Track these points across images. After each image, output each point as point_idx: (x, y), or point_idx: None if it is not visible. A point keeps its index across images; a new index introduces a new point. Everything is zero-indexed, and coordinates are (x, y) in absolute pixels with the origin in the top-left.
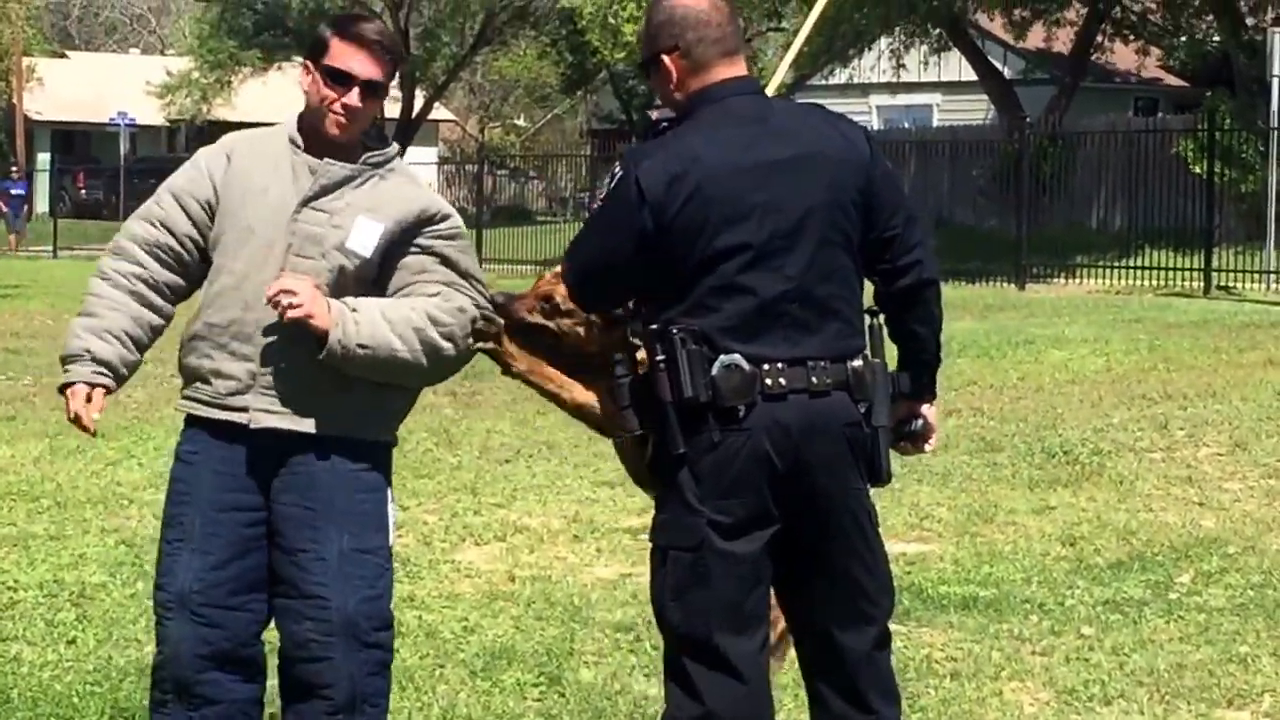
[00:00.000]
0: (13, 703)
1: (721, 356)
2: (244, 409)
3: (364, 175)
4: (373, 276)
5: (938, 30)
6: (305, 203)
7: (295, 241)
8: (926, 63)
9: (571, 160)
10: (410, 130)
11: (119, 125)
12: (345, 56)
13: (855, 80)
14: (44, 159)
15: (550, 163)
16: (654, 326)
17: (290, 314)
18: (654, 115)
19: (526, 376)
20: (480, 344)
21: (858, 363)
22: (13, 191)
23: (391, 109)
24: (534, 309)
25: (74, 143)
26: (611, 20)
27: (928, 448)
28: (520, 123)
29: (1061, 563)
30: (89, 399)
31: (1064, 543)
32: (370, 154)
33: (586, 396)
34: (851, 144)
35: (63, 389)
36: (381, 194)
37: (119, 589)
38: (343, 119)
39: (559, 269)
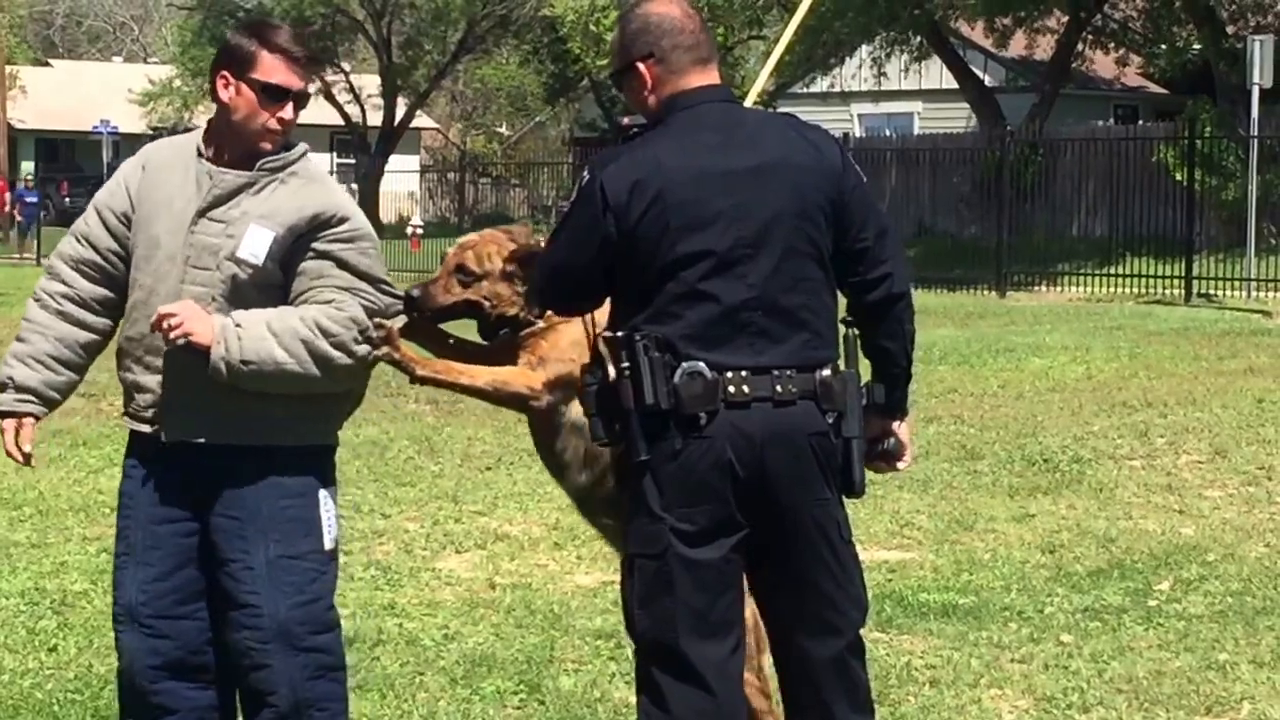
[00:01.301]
0: None
1: (684, 364)
2: (158, 422)
3: (261, 182)
4: (277, 283)
5: (919, 38)
6: (201, 213)
7: (192, 253)
8: (908, 71)
9: (553, 168)
10: (392, 138)
11: (102, 133)
12: (277, 71)
13: (836, 88)
14: (27, 167)
15: (532, 171)
16: (619, 334)
17: (172, 335)
18: (625, 121)
19: (434, 379)
20: (378, 353)
21: (826, 373)
22: (26, 199)
23: (374, 117)
24: (450, 286)
25: (58, 151)
26: (593, 28)
27: (900, 466)
28: (503, 130)
29: (1041, 570)
30: (18, 431)
31: (1044, 550)
32: (266, 159)
33: (497, 375)
34: (821, 153)
35: None
36: (277, 200)
37: (100, 597)
38: (279, 134)
39: (462, 240)
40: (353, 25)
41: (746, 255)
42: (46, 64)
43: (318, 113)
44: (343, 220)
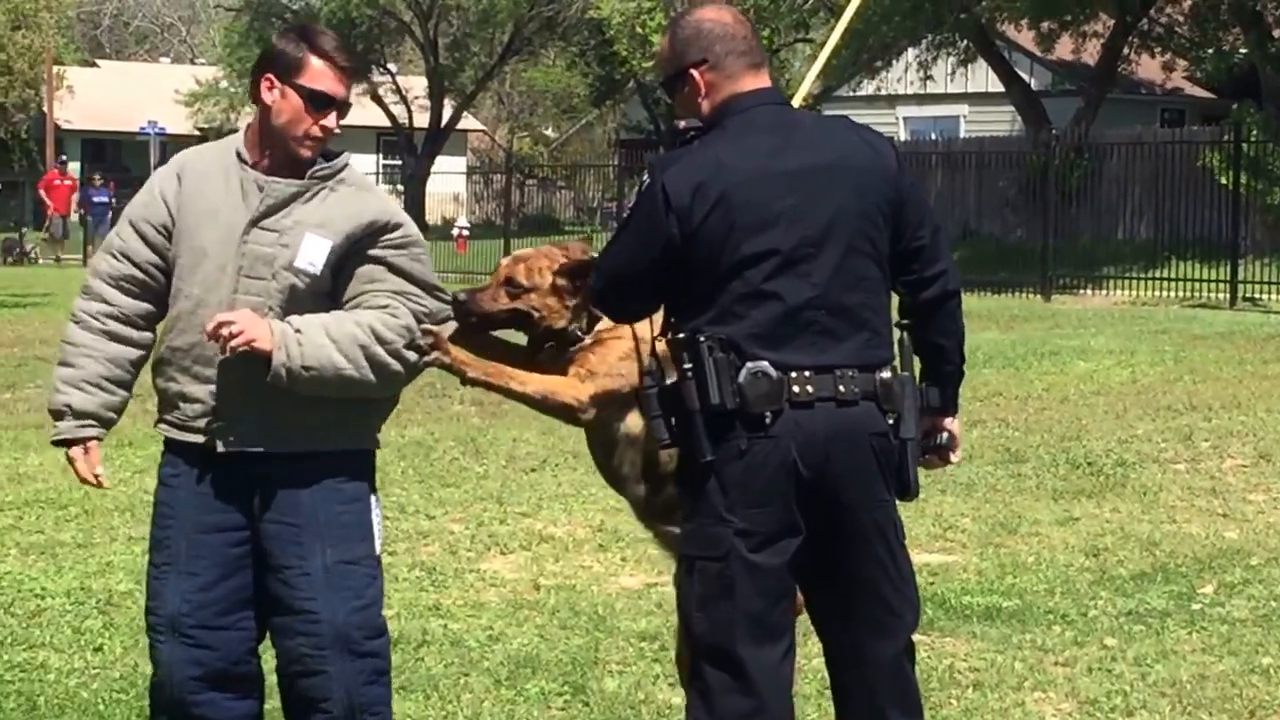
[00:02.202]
0: (39, 709)
1: (748, 364)
2: (211, 432)
3: (312, 190)
4: (327, 290)
5: (965, 41)
6: (254, 223)
7: (245, 263)
8: (953, 74)
9: (599, 170)
10: (439, 140)
11: (149, 134)
12: (324, 79)
13: (882, 91)
14: (74, 168)
15: (578, 172)
16: (681, 335)
17: (232, 344)
18: (682, 125)
19: (485, 381)
20: (427, 359)
21: (886, 374)
22: (95, 199)
23: (420, 118)
24: (498, 296)
25: (104, 151)
26: (639, 30)
27: (953, 459)
28: (549, 132)
29: (1085, 574)
30: (87, 456)
31: (1087, 554)
32: (318, 168)
33: (546, 384)
34: (878, 154)
35: (56, 444)
36: (330, 208)
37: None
38: (320, 142)
39: (516, 253)
40: (400, 27)
41: (809, 254)
42: (94, 65)
43: (364, 114)
44: (396, 226)
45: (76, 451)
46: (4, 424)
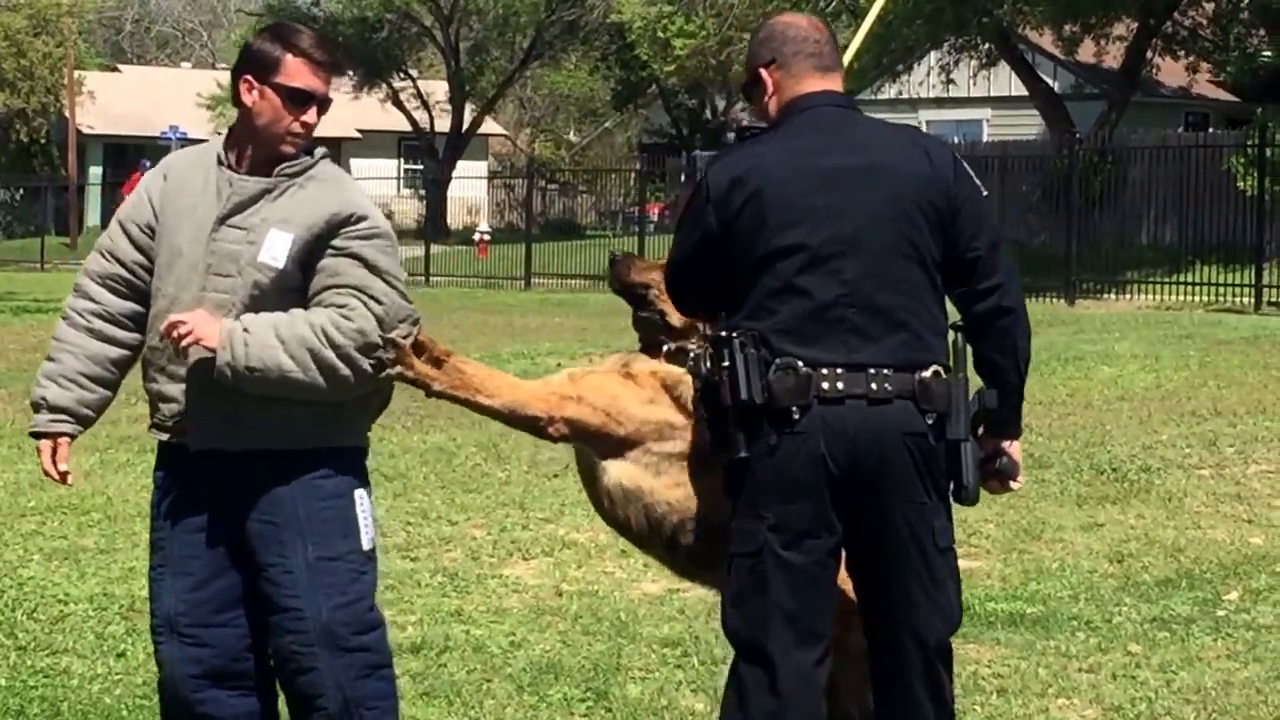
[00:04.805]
0: (63, 715)
1: (777, 359)
2: (184, 431)
3: (280, 187)
4: (296, 286)
5: (987, 45)
6: (221, 220)
7: (214, 260)
8: (976, 77)
9: (621, 175)
10: (460, 144)
11: (171, 139)
12: (302, 75)
13: (904, 95)
14: (96, 172)
15: (600, 177)
16: (719, 334)
17: (183, 343)
18: (744, 123)
19: (451, 395)
20: (390, 372)
21: (927, 374)
22: None
23: (442, 123)
24: (649, 271)
25: (126, 156)
26: (661, 34)
27: (1014, 485)
28: (570, 137)
29: (1109, 580)
30: (54, 451)
31: (1112, 560)
32: (285, 165)
33: (517, 396)
34: (932, 161)
35: (32, 435)
36: (296, 203)
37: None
38: (302, 138)
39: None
40: (421, 31)
41: (840, 252)
42: (115, 69)
43: (385, 119)
44: (361, 218)
45: (45, 444)
46: (27, 429)
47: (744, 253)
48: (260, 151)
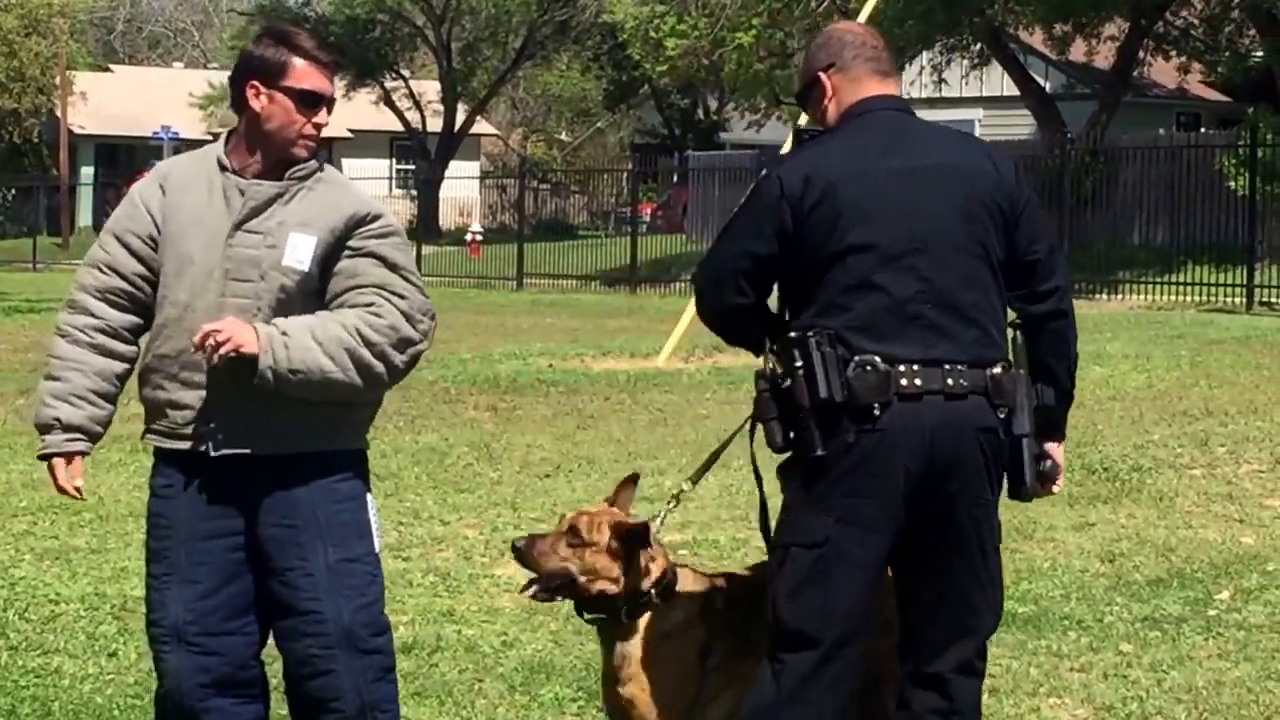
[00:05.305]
0: (54, 715)
1: (856, 356)
2: (202, 437)
3: (291, 190)
4: (316, 289)
5: (979, 45)
6: (237, 226)
7: (232, 266)
8: (968, 77)
9: (613, 175)
10: (452, 144)
11: (163, 139)
12: (310, 77)
13: None
14: (87, 172)
15: (592, 177)
16: (792, 334)
17: (220, 351)
18: (804, 127)
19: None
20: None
21: (998, 370)
22: None
23: (434, 123)
24: (558, 545)
25: (117, 156)
26: (653, 34)
27: (1055, 489)
28: (562, 137)
29: (1100, 579)
30: (69, 468)
31: (1103, 559)
32: (295, 169)
33: None
34: (995, 164)
35: (42, 458)
36: (311, 205)
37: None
38: (314, 140)
39: (583, 506)
40: (413, 31)
41: (915, 249)
42: (107, 69)
43: (377, 119)
44: (376, 218)
45: (59, 462)
46: (18, 429)
47: (816, 250)
48: (271, 156)
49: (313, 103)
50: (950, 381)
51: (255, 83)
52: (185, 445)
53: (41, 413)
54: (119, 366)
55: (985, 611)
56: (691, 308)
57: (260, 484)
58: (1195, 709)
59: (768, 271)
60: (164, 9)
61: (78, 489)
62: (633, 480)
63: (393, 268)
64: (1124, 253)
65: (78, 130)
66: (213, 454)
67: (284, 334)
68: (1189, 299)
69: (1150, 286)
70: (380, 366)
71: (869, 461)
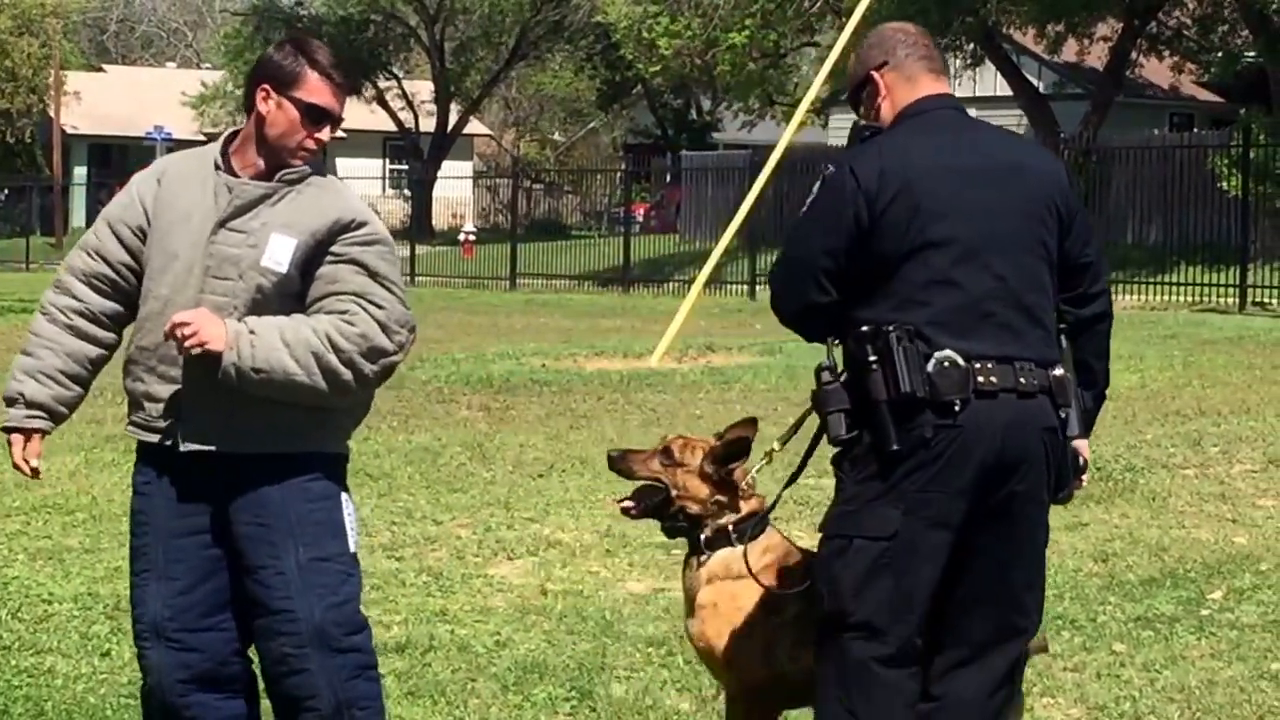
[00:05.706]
0: (47, 715)
1: (936, 353)
2: (171, 431)
3: (280, 193)
4: (296, 291)
5: (972, 44)
6: (221, 224)
7: (212, 263)
8: (960, 77)
9: (606, 175)
10: (445, 144)
11: (156, 139)
12: (321, 93)
13: None
14: (80, 172)
15: (585, 177)
16: (865, 328)
17: (187, 342)
18: (862, 124)
19: None
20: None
21: (1059, 370)
22: None
23: (427, 123)
24: (650, 461)
25: (110, 156)
26: (646, 35)
27: (1082, 483)
28: (555, 137)
29: (1093, 579)
30: (26, 445)
31: (1096, 559)
32: (286, 171)
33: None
34: (1054, 165)
35: (3, 429)
36: (298, 208)
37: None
38: (312, 154)
39: (681, 433)
40: (406, 31)
41: (989, 247)
42: (100, 70)
43: (370, 119)
44: (361, 225)
45: (16, 438)
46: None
47: (893, 244)
48: (269, 160)
49: (318, 118)
50: (1022, 380)
51: (267, 86)
52: (155, 438)
53: (9, 386)
54: (93, 351)
55: (1031, 611)
56: (685, 307)
57: (231, 481)
58: (1188, 708)
59: (843, 266)
60: (157, 9)
61: (34, 469)
62: (751, 422)
63: (373, 276)
64: (1117, 253)
65: (71, 130)
66: (180, 450)
67: (252, 332)
68: (1182, 299)
69: (1143, 287)
70: (348, 374)
71: (944, 457)
